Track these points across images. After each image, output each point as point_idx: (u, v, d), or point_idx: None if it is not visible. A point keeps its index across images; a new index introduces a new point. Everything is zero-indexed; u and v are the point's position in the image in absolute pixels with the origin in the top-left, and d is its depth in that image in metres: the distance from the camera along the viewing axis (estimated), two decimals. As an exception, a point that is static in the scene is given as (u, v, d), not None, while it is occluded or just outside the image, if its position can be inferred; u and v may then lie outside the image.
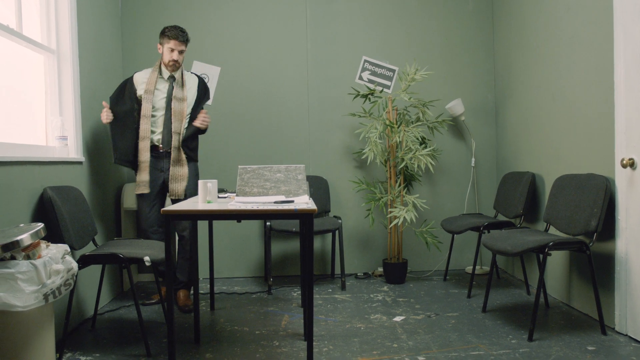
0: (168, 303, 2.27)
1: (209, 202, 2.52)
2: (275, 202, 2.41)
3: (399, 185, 3.98)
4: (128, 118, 3.35)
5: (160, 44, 3.40)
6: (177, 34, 3.36)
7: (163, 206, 3.44)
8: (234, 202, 2.47)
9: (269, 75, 4.32)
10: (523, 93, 3.91)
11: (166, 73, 3.40)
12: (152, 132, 3.36)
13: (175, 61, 3.36)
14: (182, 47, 3.39)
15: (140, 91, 3.38)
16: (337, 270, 4.30)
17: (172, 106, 3.34)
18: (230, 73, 4.29)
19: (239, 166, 2.70)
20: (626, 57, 2.71)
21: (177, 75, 3.41)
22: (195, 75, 3.55)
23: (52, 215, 2.64)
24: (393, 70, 4.37)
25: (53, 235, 2.63)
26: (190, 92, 3.45)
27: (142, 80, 3.41)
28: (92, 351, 2.70)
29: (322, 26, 4.34)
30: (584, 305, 3.15)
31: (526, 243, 2.77)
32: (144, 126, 3.32)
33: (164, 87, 3.39)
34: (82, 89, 3.30)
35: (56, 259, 2.15)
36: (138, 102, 3.39)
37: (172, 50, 3.34)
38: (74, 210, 2.84)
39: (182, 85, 3.41)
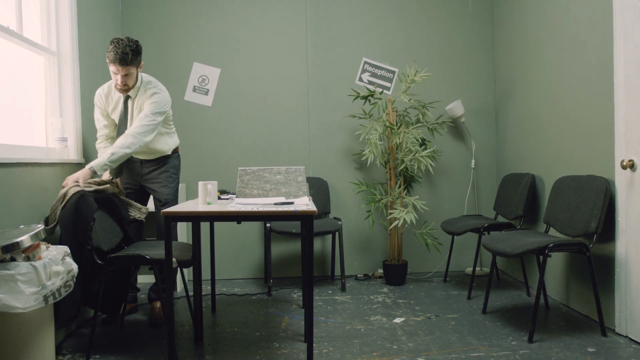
0: (169, 304, 2.27)
1: (209, 203, 2.52)
2: (276, 204, 2.41)
3: (399, 186, 3.98)
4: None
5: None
6: (116, 56, 2.64)
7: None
8: (234, 204, 2.47)
9: (269, 76, 4.32)
10: (523, 94, 3.91)
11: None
12: None
13: (125, 84, 2.81)
14: (127, 71, 2.74)
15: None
16: (337, 272, 4.30)
17: None
18: (231, 74, 4.29)
19: (239, 168, 2.70)
20: (626, 59, 2.71)
21: (132, 94, 2.95)
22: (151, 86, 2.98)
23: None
24: (393, 72, 4.37)
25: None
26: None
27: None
28: (91, 353, 2.69)
29: (322, 27, 4.34)
30: (584, 306, 3.15)
31: (526, 244, 2.77)
32: None
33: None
34: (82, 91, 3.30)
35: (56, 261, 2.15)
36: None
37: (115, 73, 2.76)
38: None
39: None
